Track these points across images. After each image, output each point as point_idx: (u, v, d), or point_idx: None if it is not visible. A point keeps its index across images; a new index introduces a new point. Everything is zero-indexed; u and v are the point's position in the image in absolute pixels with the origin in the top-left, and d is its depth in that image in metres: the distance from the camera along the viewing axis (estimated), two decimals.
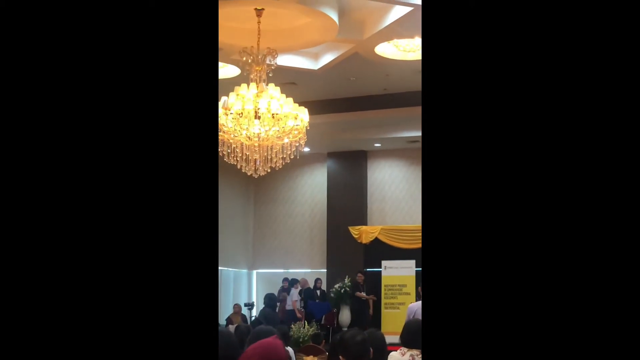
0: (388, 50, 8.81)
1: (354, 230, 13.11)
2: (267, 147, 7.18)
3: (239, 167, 7.38)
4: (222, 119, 6.98)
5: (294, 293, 12.49)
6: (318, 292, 12.58)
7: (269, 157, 7.21)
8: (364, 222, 13.42)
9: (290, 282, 12.82)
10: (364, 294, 12.17)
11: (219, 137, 7.05)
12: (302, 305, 12.49)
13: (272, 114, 7.02)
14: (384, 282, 12.30)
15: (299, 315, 12.05)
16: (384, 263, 12.49)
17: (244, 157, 7.24)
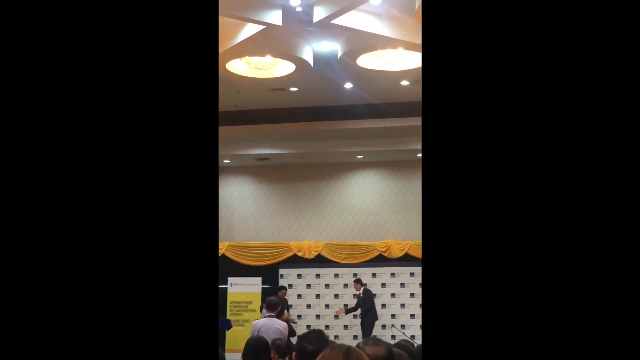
0: (239, 67, 8.84)
1: None
2: None
3: None
4: None
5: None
6: None
7: None
8: None
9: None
10: (287, 314, 11.67)
11: None
12: None
13: None
14: (229, 298, 12.22)
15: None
16: (230, 279, 12.41)
17: None
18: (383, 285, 12.24)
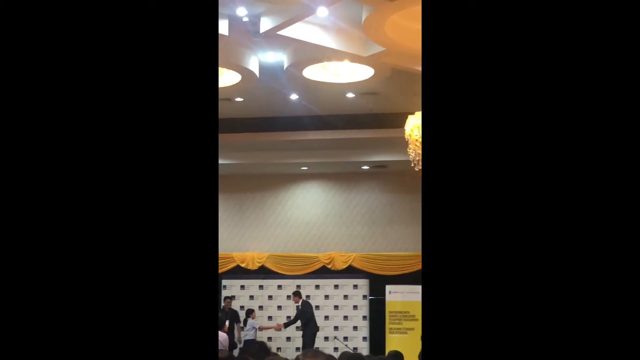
0: None
1: None
2: None
3: None
4: None
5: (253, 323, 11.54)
6: None
7: None
8: None
9: (247, 312, 11.74)
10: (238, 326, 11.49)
11: None
12: None
13: None
14: None
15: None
16: None
17: None
18: (326, 297, 12.24)
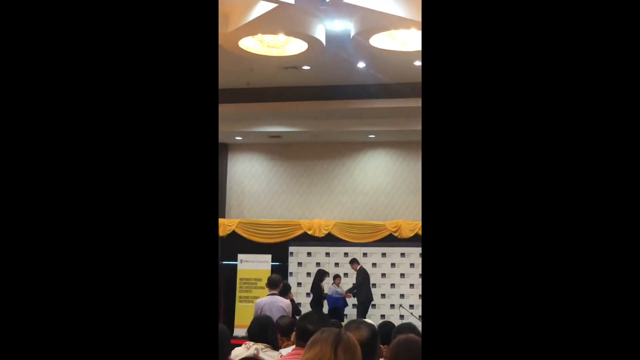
0: (252, 44, 8.81)
1: None
2: None
3: None
4: None
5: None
6: None
7: None
8: (222, 214, 13.34)
9: (334, 277, 11.79)
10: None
11: None
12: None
13: None
14: (239, 275, 12.32)
15: None
16: (240, 256, 12.50)
17: None
18: (393, 265, 12.27)
